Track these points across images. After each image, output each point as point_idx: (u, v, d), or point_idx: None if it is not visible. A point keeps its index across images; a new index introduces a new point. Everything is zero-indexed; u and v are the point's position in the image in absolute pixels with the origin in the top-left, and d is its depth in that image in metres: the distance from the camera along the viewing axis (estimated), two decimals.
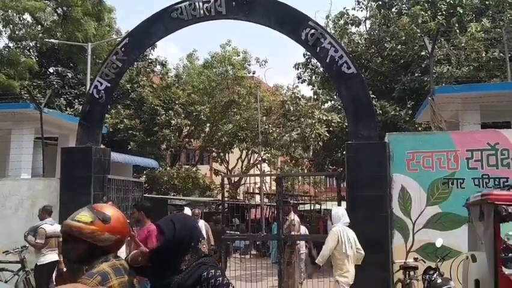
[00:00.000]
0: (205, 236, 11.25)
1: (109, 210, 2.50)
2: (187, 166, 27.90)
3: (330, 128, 16.92)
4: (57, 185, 9.47)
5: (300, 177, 27.87)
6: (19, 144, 11.77)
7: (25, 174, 11.71)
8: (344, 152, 9.62)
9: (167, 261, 2.49)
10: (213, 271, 2.45)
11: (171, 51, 67.56)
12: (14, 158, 11.85)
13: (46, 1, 22.07)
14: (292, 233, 9.64)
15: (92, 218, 2.39)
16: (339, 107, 17.79)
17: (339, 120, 16.96)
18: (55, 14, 23.19)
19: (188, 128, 26.31)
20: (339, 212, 6.89)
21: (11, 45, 23.02)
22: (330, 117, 16.98)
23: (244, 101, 25.36)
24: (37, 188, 9.86)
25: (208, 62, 26.97)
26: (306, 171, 25.52)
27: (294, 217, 9.90)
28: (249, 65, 26.62)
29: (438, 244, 6.95)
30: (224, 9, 9.00)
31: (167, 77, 26.93)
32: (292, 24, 8.83)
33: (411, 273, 7.21)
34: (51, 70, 24.77)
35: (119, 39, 14.15)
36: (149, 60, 26.79)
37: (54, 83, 22.35)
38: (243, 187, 28.12)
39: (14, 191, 9.89)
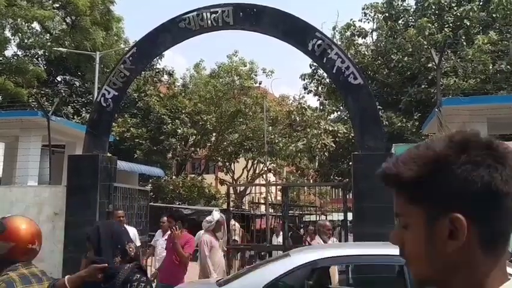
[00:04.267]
0: (236, 238, 10.92)
1: (12, 221, 2.60)
2: (193, 175, 27.94)
3: (336, 139, 16.94)
4: (64, 192, 9.50)
5: (305, 188, 27.80)
6: (26, 151, 11.83)
7: (32, 181, 11.76)
8: (350, 163, 9.60)
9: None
10: (138, 275, 2.68)
11: (178, 61, 67.99)
12: (21, 165, 11.91)
13: (55, 10, 22.31)
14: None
15: None
16: (346, 117, 17.81)
17: (345, 130, 16.97)
18: (64, 23, 23.42)
19: (194, 137, 26.39)
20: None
21: (19, 53, 23.27)
22: (336, 128, 17.00)
23: (250, 111, 25.43)
24: (44, 195, 9.89)
25: (214, 72, 27.11)
26: (311, 181, 25.48)
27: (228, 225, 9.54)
28: (256, 75, 26.75)
29: None
30: (231, 20, 9.06)
31: (174, 87, 27.08)
32: (299, 34, 8.87)
33: None
34: (59, 79, 24.99)
35: (127, 48, 14.26)
36: (157, 70, 26.99)
37: (62, 91, 22.53)
38: (248, 197, 28.10)
39: (20, 198, 9.92)
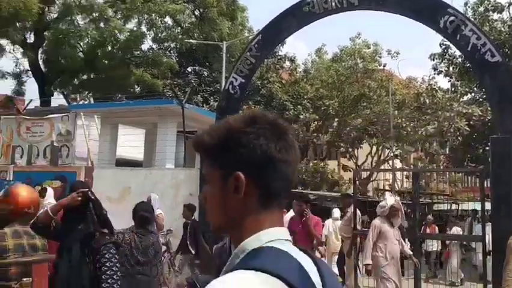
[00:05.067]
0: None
1: (15, 188, 3.28)
2: (315, 161, 27.98)
3: (471, 122, 15.78)
4: (198, 174, 10.13)
5: (435, 175, 26.35)
6: (164, 136, 12.80)
7: (169, 164, 12.70)
8: (487, 148, 8.91)
9: (77, 219, 3.21)
10: (109, 246, 3.17)
11: (299, 47, 68.20)
12: (159, 149, 12.93)
13: (185, 4, 23.63)
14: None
15: None
16: (480, 99, 16.50)
17: (480, 113, 15.74)
18: (193, 16, 24.74)
19: (316, 122, 26.35)
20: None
21: (154, 47, 25.11)
22: (470, 110, 15.83)
23: (374, 95, 24.68)
24: (180, 177, 10.66)
25: (337, 56, 26.69)
26: (442, 168, 24.11)
27: (356, 211, 8.71)
28: (380, 57, 25.79)
29: None
30: (356, 0, 8.86)
31: (296, 73, 27.22)
32: (430, 11, 8.39)
33: None
34: (189, 69, 26.53)
35: (252, 36, 14.67)
36: (279, 57, 27.33)
37: (192, 81, 23.88)
38: (372, 184, 27.44)
39: (160, 180, 10.81)
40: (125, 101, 16.67)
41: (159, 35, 24.36)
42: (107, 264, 3.09)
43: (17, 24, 17.16)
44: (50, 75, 20.52)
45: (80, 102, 20.41)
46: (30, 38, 19.72)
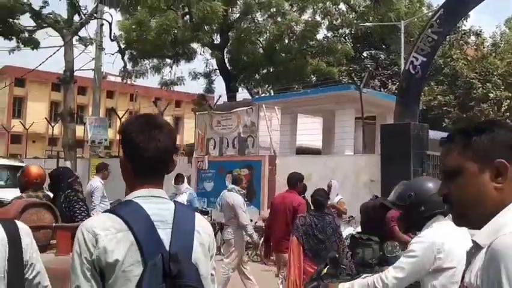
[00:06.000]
0: None
1: (28, 167, 4.76)
2: None
3: None
4: (378, 160, 9.95)
5: None
6: (342, 123, 12.85)
7: (348, 151, 12.71)
8: None
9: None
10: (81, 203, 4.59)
11: (484, 20, 61.75)
12: (338, 136, 13.02)
13: None
14: None
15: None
16: None
17: None
18: None
19: (508, 101, 23.66)
20: None
21: (329, 35, 25.23)
22: None
23: None
24: (360, 164, 10.60)
25: None
26: None
27: None
28: None
29: None
30: None
31: (483, 47, 24.77)
32: None
33: None
34: (365, 54, 26.07)
35: (431, 13, 13.77)
36: (462, 32, 25.23)
37: (369, 65, 23.43)
38: None
39: (339, 166, 10.89)
40: (303, 91, 17.13)
41: (334, 23, 24.39)
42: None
43: (205, 27, 18.83)
44: (234, 72, 22.13)
45: (262, 95, 21.62)
46: (217, 39, 21.49)
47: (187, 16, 19.50)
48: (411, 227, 2.80)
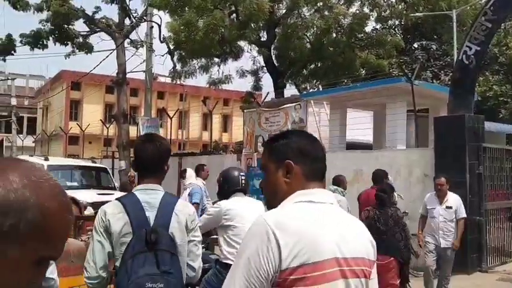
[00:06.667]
0: None
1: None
2: None
3: None
4: (432, 154, 9.67)
5: None
6: (393, 117, 12.53)
7: (400, 145, 12.40)
8: None
9: None
10: None
11: None
12: (389, 130, 12.72)
13: None
14: None
15: None
16: None
17: None
18: None
19: None
20: None
21: (378, 27, 24.70)
22: None
23: None
24: (412, 158, 10.34)
25: None
26: None
27: None
28: None
29: None
30: None
31: None
32: None
33: None
34: (415, 45, 25.36)
35: (484, 1, 13.21)
36: None
37: (420, 57, 22.79)
38: None
39: (391, 161, 10.66)
40: (352, 85, 16.88)
41: (382, 14, 23.85)
42: None
43: (252, 25, 18.88)
44: (282, 68, 22.07)
45: (310, 91, 21.48)
46: (264, 36, 21.50)
47: (234, 14, 19.63)
48: (222, 198, 4.26)
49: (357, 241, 1.60)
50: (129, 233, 2.40)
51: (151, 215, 2.46)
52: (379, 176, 7.11)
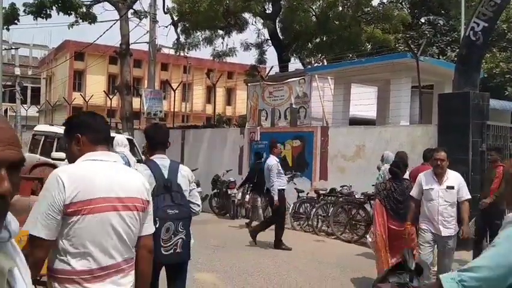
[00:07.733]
0: None
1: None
2: None
3: None
4: (435, 131, 9.65)
5: None
6: (398, 93, 12.44)
7: (404, 121, 12.36)
8: None
9: None
10: None
11: None
12: (393, 106, 12.65)
13: None
14: None
15: None
16: None
17: None
18: None
19: None
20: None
21: (384, 1, 24.34)
22: None
23: None
24: (415, 134, 10.32)
25: None
26: None
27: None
28: None
29: None
30: None
31: None
32: None
33: None
34: (422, 20, 24.99)
35: None
36: None
37: (426, 32, 22.48)
38: None
39: (394, 137, 10.66)
40: (357, 60, 16.71)
41: None
42: None
43: None
44: (287, 42, 21.85)
45: (315, 65, 21.30)
46: (269, 9, 21.20)
47: None
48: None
49: (130, 184, 2.34)
50: (153, 183, 3.56)
51: (165, 172, 3.76)
52: (429, 154, 7.14)
